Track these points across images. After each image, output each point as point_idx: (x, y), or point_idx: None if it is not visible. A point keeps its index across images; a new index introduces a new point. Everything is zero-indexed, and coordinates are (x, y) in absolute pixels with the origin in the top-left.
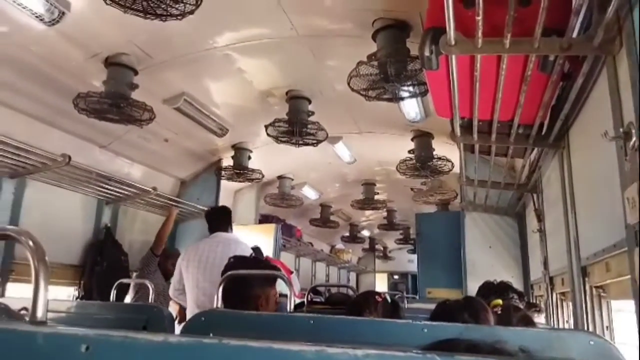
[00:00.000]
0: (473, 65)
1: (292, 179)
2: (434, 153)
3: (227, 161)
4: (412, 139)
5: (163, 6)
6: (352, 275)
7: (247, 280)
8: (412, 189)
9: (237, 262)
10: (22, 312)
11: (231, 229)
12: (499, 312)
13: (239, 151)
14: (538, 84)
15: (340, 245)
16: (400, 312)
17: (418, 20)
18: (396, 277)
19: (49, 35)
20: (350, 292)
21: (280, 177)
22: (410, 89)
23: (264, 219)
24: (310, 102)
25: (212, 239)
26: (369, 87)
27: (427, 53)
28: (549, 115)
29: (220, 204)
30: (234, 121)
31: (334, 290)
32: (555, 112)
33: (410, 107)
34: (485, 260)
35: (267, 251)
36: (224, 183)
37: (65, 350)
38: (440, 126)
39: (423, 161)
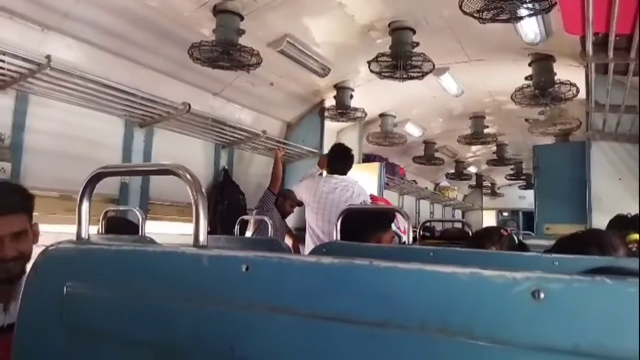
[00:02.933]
0: None
1: (395, 117)
2: (555, 78)
3: (330, 102)
4: (529, 64)
5: None
6: (458, 213)
7: (365, 221)
8: (527, 120)
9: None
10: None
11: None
12: (634, 248)
13: (341, 90)
14: None
15: (444, 183)
16: (527, 250)
17: None
18: (505, 214)
19: None
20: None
21: (382, 115)
22: (531, 5)
23: (366, 158)
24: (414, 32)
25: (330, 180)
26: (483, 7)
27: None
28: None
29: (325, 144)
30: (336, 60)
31: (442, 226)
32: None
33: (529, 27)
34: (614, 193)
35: (372, 189)
36: (327, 123)
37: (228, 270)
38: (563, 46)
39: (543, 88)
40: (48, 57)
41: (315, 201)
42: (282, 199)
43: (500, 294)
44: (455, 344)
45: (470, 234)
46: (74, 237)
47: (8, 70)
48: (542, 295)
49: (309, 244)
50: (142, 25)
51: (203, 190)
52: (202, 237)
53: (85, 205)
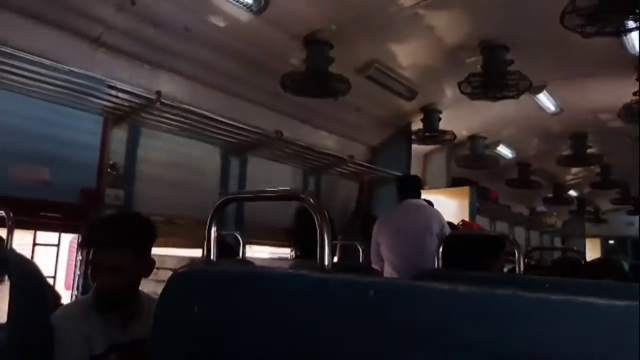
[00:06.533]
0: None
1: (485, 138)
2: None
3: (416, 125)
4: (637, 78)
5: None
6: (557, 241)
7: (472, 248)
8: (635, 138)
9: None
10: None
11: (419, 196)
12: None
13: (429, 113)
14: None
15: (541, 208)
16: None
17: None
18: (611, 242)
19: (256, 23)
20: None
21: (471, 137)
22: (639, 17)
23: (455, 182)
24: (508, 50)
25: (401, 206)
26: (586, 22)
27: None
28: None
29: (411, 168)
30: (423, 82)
31: (539, 255)
32: None
33: (637, 40)
34: None
35: (462, 215)
36: (413, 147)
37: (355, 294)
38: None
39: None
40: (158, 92)
41: (389, 228)
42: (364, 221)
43: None
44: None
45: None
46: (176, 260)
47: (122, 105)
48: None
49: (388, 273)
50: (237, 58)
51: (326, 215)
52: (327, 261)
53: (213, 230)
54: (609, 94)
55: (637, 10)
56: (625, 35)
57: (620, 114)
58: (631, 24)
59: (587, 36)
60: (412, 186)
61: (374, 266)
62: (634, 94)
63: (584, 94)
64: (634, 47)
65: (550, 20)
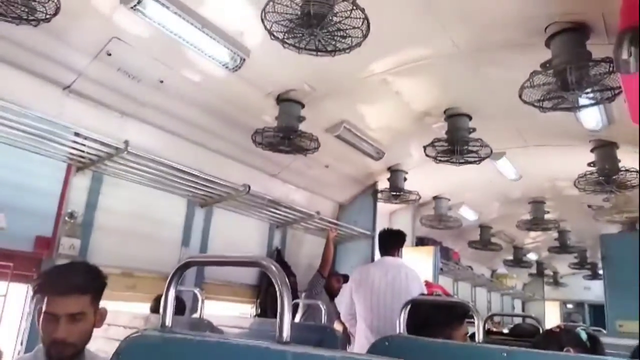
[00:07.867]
0: None
1: (449, 200)
2: (620, 164)
3: (383, 183)
4: (591, 150)
5: (333, 42)
6: (517, 303)
7: (434, 315)
8: (590, 207)
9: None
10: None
11: (400, 254)
12: None
13: (395, 173)
14: None
15: (502, 270)
16: (600, 349)
17: (600, 21)
18: (570, 306)
19: (231, 80)
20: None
21: (436, 198)
22: (592, 95)
23: (419, 242)
24: (470, 118)
25: (381, 263)
26: (543, 97)
27: (624, 56)
28: None
29: (377, 225)
30: (390, 144)
31: (502, 319)
32: None
33: (590, 116)
34: None
35: (426, 275)
36: (379, 205)
37: None
38: (626, 134)
39: (607, 174)
40: (126, 142)
41: (368, 285)
42: (328, 280)
43: None
44: None
45: (541, 330)
46: (129, 317)
47: (88, 153)
48: None
49: (363, 332)
50: (209, 112)
51: (287, 282)
52: (286, 332)
53: (171, 293)
54: (566, 164)
55: (589, 90)
56: (579, 111)
57: (576, 183)
58: (584, 101)
59: (544, 111)
60: (394, 242)
61: (344, 324)
62: (589, 164)
63: (542, 162)
64: (587, 121)
65: (510, 94)
